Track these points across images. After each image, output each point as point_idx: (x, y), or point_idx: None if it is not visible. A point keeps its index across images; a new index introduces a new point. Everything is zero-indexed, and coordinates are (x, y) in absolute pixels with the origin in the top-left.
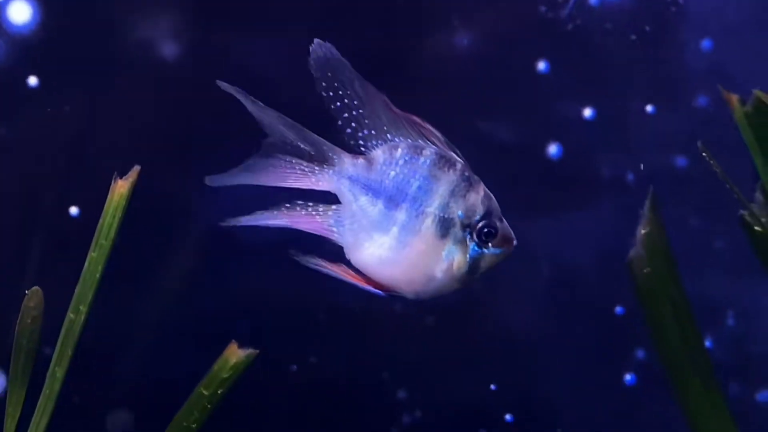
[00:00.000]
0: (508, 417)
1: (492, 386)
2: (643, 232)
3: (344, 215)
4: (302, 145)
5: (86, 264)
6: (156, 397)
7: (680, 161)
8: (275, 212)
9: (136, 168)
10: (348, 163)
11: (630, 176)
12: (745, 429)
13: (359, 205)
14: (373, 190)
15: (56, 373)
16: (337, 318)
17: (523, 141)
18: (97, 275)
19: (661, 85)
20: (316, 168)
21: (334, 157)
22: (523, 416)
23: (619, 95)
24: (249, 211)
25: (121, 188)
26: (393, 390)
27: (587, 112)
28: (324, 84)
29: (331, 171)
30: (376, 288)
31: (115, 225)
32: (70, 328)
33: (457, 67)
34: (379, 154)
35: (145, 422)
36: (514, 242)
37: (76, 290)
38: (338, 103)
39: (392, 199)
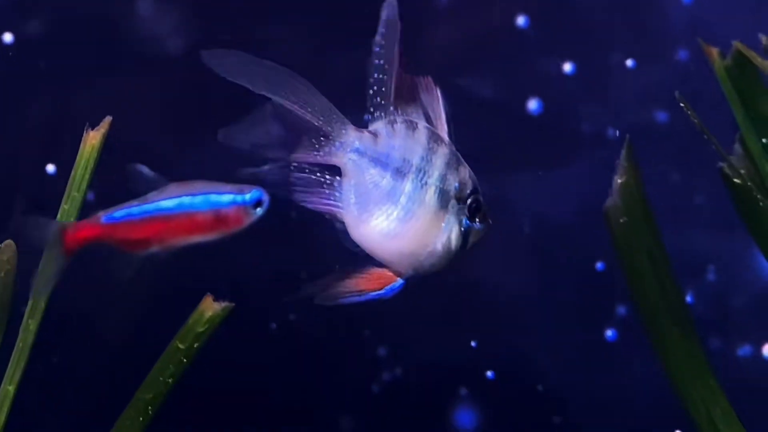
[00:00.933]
0: (489, 374)
1: (473, 343)
2: (619, 181)
3: (349, 188)
4: (309, 112)
5: (58, 216)
6: (134, 356)
7: (661, 116)
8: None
9: (108, 119)
10: (354, 136)
11: (610, 131)
12: (726, 384)
13: (368, 177)
14: (381, 162)
15: (29, 325)
16: (318, 276)
17: (503, 97)
18: None
19: (641, 40)
20: (323, 141)
21: (342, 129)
22: (504, 373)
23: (599, 50)
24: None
25: (92, 139)
26: (373, 347)
27: (567, 67)
28: (378, 38)
29: (338, 143)
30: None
31: (87, 177)
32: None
33: (435, 23)
34: (380, 126)
35: (124, 380)
36: (491, 221)
37: None
38: (376, 62)
39: (399, 171)
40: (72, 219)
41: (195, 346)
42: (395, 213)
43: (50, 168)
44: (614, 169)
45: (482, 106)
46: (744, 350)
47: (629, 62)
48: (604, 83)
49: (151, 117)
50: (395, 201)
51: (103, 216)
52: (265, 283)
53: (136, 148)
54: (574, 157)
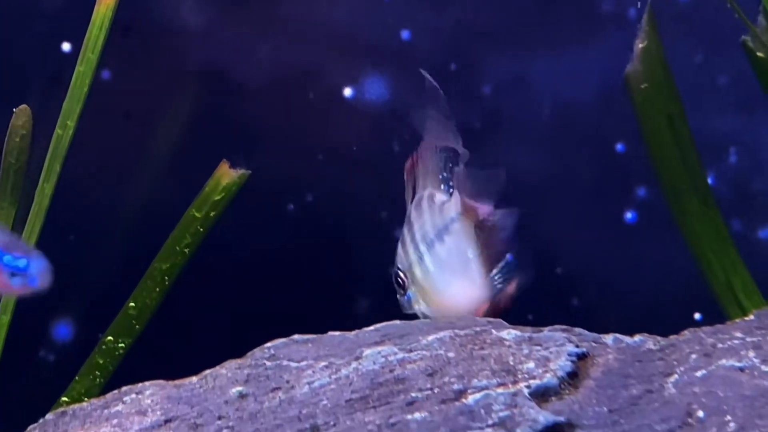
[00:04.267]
0: (508, 256)
1: None
2: (640, 46)
3: None
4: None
5: (73, 79)
6: (149, 225)
7: None
8: None
9: None
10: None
11: (632, 11)
12: (748, 265)
13: None
14: None
15: (45, 189)
16: (336, 157)
17: None
18: (84, 89)
19: None
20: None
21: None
22: (523, 255)
23: None
24: None
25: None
26: (391, 229)
27: None
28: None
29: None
30: None
31: (101, 38)
32: (58, 143)
33: None
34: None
35: (140, 248)
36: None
37: (63, 106)
38: None
39: None
40: (87, 81)
41: (211, 215)
42: None
43: (66, 47)
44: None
45: None
46: (765, 232)
47: None
48: None
49: None
50: None
51: None
52: (283, 162)
53: None
54: (594, 37)
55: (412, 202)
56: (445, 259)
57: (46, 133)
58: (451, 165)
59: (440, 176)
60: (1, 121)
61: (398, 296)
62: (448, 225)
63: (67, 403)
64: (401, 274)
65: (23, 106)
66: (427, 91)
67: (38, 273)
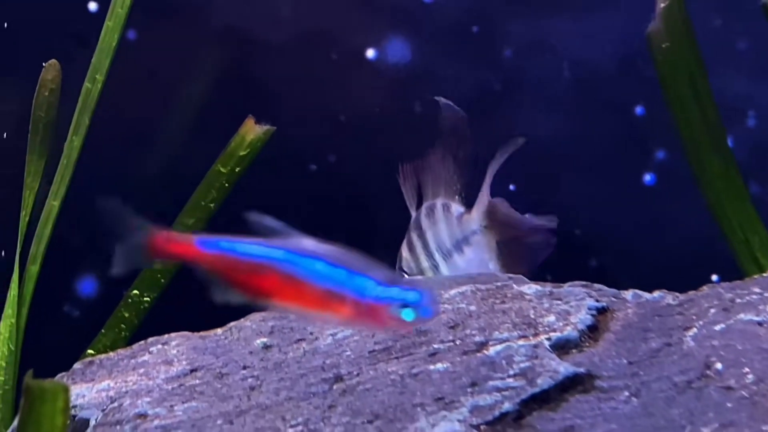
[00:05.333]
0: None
1: (511, 187)
2: (662, 5)
3: None
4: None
5: (102, 33)
6: (174, 181)
7: None
8: None
9: None
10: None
11: None
12: (766, 226)
13: None
14: None
15: (74, 141)
16: (358, 118)
17: None
18: (113, 44)
19: None
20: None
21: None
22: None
23: None
24: None
25: None
26: None
27: None
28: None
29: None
30: None
31: None
32: (87, 97)
33: None
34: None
35: (165, 205)
36: None
37: (93, 60)
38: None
39: None
40: (116, 35)
41: (237, 170)
42: None
43: (92, 6)
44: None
45: None
46: None
47: None
48: None
49: None
50: None
51: (196, 239)
52: (306, 123)
53: None
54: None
55: (416, 207)
56: (464, 269)
57: (73, 91)
58: (463, 177)
59: (454, 187)
60: (30, 78)
61: None
62: (468, 236)
63: (93, 356)
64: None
65: (52, 61)
66: (446, 112)
67: (431, 303)
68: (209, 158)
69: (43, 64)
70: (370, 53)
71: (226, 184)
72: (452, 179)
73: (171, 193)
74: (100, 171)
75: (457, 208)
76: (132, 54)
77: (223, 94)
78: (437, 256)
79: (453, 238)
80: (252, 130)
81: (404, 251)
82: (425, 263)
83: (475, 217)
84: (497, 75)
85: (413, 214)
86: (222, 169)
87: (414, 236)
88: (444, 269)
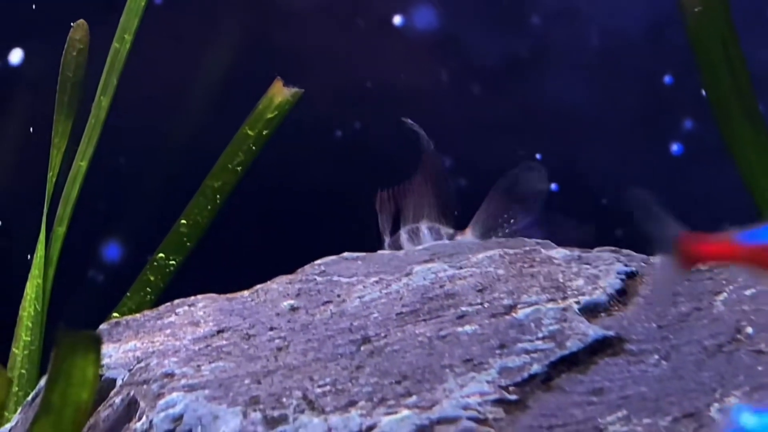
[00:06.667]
0: (553, 186)
1: (537, 155)
2: None
3: None
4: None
5: None
6: (204, 143)
7: None
8: None
9: None
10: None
11: None
12: None
13: None
14: None
15: (102, 101)
16: (384, 86)
17: None
18: (142, 4)
19: None
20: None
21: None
22: (569, 186)
23: None
24: None
25: None
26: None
27: None
28: None
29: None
30: None
31: None
32: (115, 57)
33: None
34: None
35: (193, 161)
36: None
37: (121, 20)
38: None
39: None
40: None
41: (264, 133)
42: None
43: None
44: None
45: None
46: None
47: None
48: None
49: None
50: None
51: (736, 235)
52: (332, 89)
53: None
54: None
55: (391, 232)
56: None
57: (101, 54)
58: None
59: (440, 210)
60: (58, 39)
61: None
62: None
63: (119, 318)
64: None
65: (80, 21)
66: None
67: None
68: (236, 122)
69: (71, 24)
70: (397, 20)
71: (254, 147)
72: (436, 203)
73: (198, 155)
74: (125, 136)
75: (446, 230)
76: (158, 18)
77: (248, 59)
78: None
79: None
80: (280, 92)
81: None
82: None
83: (470, 235)
84: (525, 42)
85: (387, 239)
86: (249, 132)
87: None
88: None
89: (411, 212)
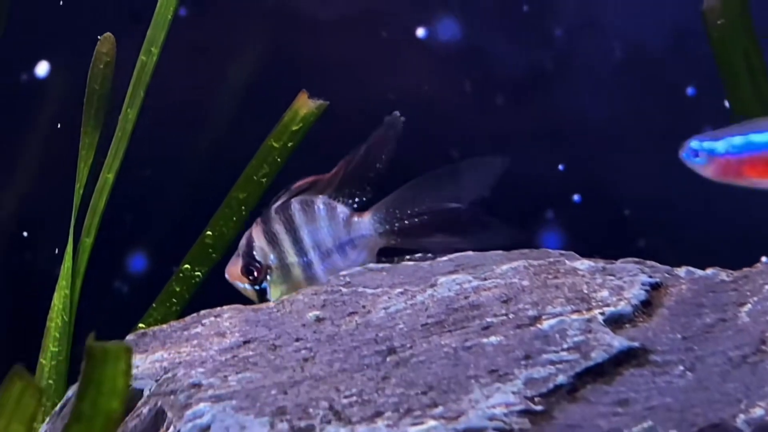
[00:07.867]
0: (575, 197)
1: (560, 166)
2: None
3: None
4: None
5: (158, 6)
6: (229, 155)
7: None
8: None
9: None
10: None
11: None
12: None
13: None
14: None
15: (128, 114)
16: (408, 96)
17: None
18: (169, 17)
19: None
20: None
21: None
22: (591, 197)
23: None
24: None
25: None
26: None
27: None
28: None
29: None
30: None
31: None
32: (142, 69)
33: None
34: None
35: (218, 174)
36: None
37: (148, 33)
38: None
39: None
40: (171, 8)
41: (289, 145)
42: None
43: None
44: None
45: None
46: None
47: None
48: None
49: None
50: None
51: None
52: (355, 101)
53: None
54: None
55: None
56: (341, 270)
57: (127, 67)
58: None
59: (346, 190)
60: (84, 51)
61: (243, 285)
62: (355, 239)
63: (145, 329)
64: (258, 266)
65: (107, 34)
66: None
67: None
68: (260, 134)
69: (98, 37)
70: (420, 32)
71: (279, 159)
72: (348, 182)
73: (223, 167)
74: (151, 148)
75: (342, 209)
76: (183, 30)
77: (273, 71)
78: (312, 254)
79: (336, 239)
80: (305, 105)
81: (260, 240)
82: (293, 258)
83: (368, 221)
84: (548, 54)
85: (275, 204)
86: (275, 144)
87: (278, 228)
88: (318, 268)
89: (318, 185)
